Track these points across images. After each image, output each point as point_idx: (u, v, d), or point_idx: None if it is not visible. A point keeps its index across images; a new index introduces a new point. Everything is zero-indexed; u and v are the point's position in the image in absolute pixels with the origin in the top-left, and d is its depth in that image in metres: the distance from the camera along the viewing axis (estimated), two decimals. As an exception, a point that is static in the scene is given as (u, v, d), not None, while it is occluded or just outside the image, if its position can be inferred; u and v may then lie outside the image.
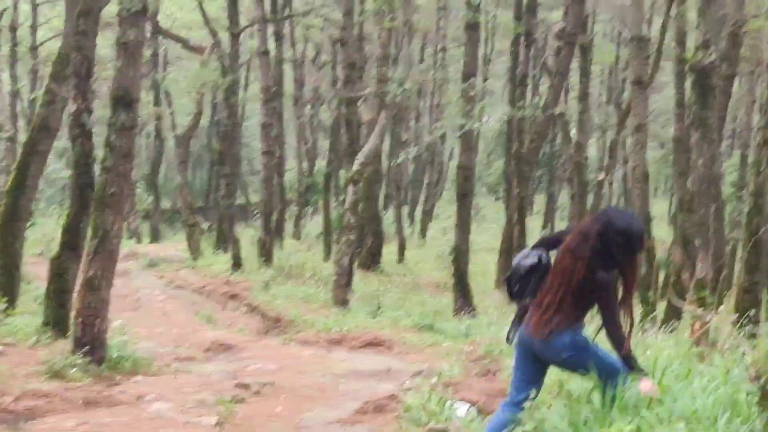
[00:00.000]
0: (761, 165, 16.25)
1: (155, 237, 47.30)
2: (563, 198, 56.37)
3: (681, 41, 24.89)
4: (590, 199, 37.39)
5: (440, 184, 60.03)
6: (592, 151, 53.82)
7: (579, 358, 6.98)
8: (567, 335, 6.97)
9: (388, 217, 44.16)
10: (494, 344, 14.17)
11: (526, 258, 7.36)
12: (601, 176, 33.20)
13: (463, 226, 24.73)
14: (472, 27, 25.15)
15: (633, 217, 7.17)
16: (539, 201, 60.05)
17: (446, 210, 56.50)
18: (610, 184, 48.28)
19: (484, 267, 33.99)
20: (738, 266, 18.00)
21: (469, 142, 24.99)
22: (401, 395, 11.12)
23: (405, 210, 51.56)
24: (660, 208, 54.06)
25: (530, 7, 31.92)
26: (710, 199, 15.34)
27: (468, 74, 24.66)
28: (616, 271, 6.89)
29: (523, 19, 32.50)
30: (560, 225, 53.64)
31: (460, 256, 24.66)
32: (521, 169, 28.98)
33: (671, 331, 14.24)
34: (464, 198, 24.81)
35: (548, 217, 53.64)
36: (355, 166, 23.21)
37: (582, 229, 7.06)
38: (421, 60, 50.22)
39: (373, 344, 16.61)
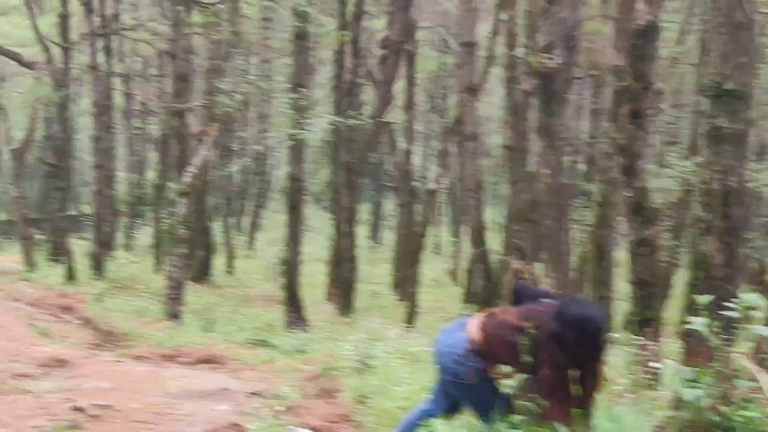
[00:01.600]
0: (607, 174, 15.69)
1: (-8, 249, 45.71)
2: (389, 207, 55.93)
3: (512, 46, 24.28)
4: (419, 209, 36.89)
5: (267, 195, 59.09)
6: (417, 159, 53.49)
7: (464, 387, 6.47)
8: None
9: (216, 228, 43.38)
10: (331, 362, 13.74)
11: None
12: (432, 185, 32.53)
13: (293, 238, 24.16)
14: (300, 36, 24.37)
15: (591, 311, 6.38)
16: (364, 210, 59.51)
17: (273, 220, 55.72)
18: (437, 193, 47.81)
19: (313, 278, 33.29)
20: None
21: (298, 152, 24.15)
22: (243, 422, 10.42)
23: (233, 221, 50.71)
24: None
25: (356, 15, 31.15)
26: (556, 209, 14.58)
27: (297, 84, 23.80)
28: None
29: (348, 27, 31.64)
30: (386, 234, 53.12)
31: (291, 269, 24.13)
32: (350, 179, 28.21)
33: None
34: (294, 210, 24.17)
35: (374, 227, 53.09)
36: (186, 179, 22.24)
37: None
38: (248, 71, 49.20)
39: (207, 360, 15.96)
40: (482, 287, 24.07)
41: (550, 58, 14.17)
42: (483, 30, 31.75)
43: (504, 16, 24.94)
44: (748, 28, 9.43)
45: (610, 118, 15.82)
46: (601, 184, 16.20)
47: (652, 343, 13.12)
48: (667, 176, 23.01)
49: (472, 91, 22.38)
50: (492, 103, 42.67)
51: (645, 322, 13.68)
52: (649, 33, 13.14)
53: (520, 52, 22.67)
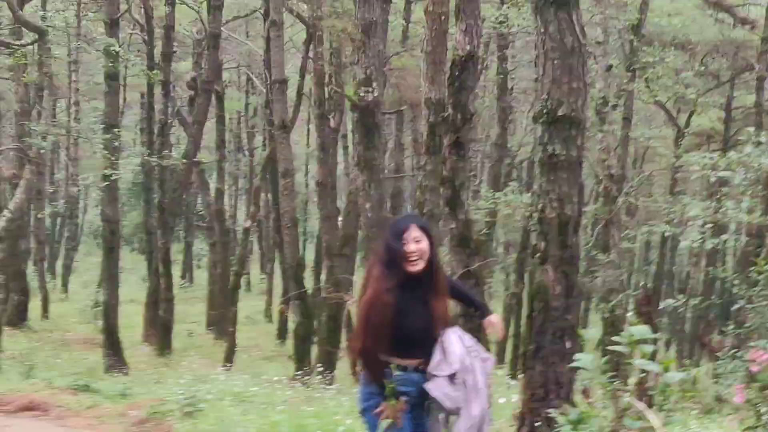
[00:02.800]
0: (424, 208, 15.10)
1: None
2: (200, 246, 54.71)
3: (320, 83, 23.58)
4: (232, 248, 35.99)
5: (78, 238, 56.96)
6: (228, 198, 52.47)
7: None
8: None
9: (30, 272, 41.39)
10: (157, 405, 12.79)
11: None
12: (247, 224, 31.54)
13: (111, 280, 23.07)
14: (111, 77, 23.18)
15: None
16: (175, 250, 58.04)
17: (84, 263, 54.09)
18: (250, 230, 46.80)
19: (129, 320, 31.99)
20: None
21: (113, 193, 22.86)
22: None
23: (46, 264, 48.60)
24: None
25: (166, 56, 30.12)
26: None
27: (110, 124, 22.61)
28: None
29: (157, 68, 30.55)
30: (198, 274, 51.81)
31: (109, 311, 23.02)
32: (164, 219, 27.09)
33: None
34: (111, 252, 23.07)
35: (186, 267, 51.70)
36: (2, 223, 20.76)
37: None
38: (55, 114, 47.53)
39: (29, 408, 14.43)
40: (299, 324, 23.20)
41: (368, 91, 13.49)
42: (293, 67, 31.17)
43: (312, 53, 24.23)
44: (580, 53, 8.90)
45: (426, 151, 15.19)
46: (421, 216, 15.55)
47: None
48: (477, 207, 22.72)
49: (285, 127, 21.56)
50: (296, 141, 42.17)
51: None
52: (468, 64, 12.64)
53: (336, 86, 22.05)
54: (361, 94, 13.47)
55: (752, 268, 16.27)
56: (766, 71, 31.12)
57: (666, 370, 5.00)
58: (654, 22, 29.10)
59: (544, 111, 8.93)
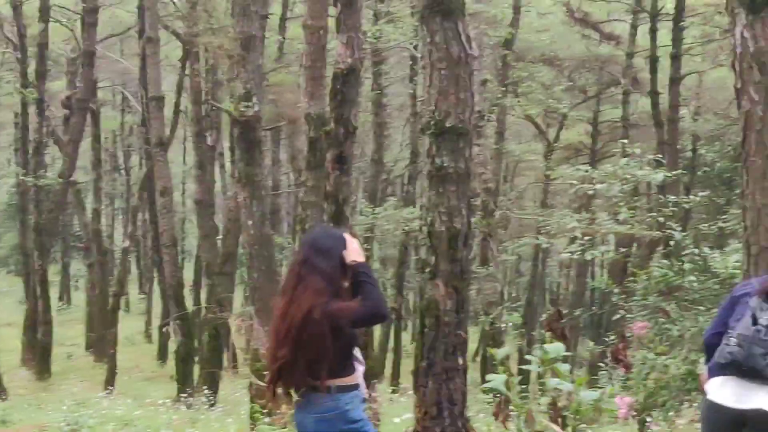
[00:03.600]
0: (305, 225, 14.63)
1: None
2: (78, 267, 53.27)
3: (197, 100, 22.93)
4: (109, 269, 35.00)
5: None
6: (105, 218, 51.16)
7: None
8: None
9: None
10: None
11: None
12: (125, 243, 30.62)
13: None
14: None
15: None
16: (52, 271, 56.40)
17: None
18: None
19: (5, 344, 30.91)
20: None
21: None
22: None
23: None
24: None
25: (40, 74, 29.04)
26: (263, 261, 13.34)
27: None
28: None
29: (32, 87, 29.45)
30: (76, 296, 50.44)
31: None
32: (40, 241, 26.07)
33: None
34: None
35: (64, 288, 50.26)
36: None
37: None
38: None
39: None
40: (180, 344, 22.46)
41: (248, 106, 12.96)
42: (169, 84, 30.39)
43: (188, 70, 23.58)
44: (466, 63, 8.53)
45: (307, 167, 14.71)
46: (302, 233, 15.06)
47: (369, 393, 12.10)
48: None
49: (163, 145, 20.86)
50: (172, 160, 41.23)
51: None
52: (350, 77, 12.21)
53: (213, 103, 21.45)
54: (242, 110, 12.92)
55: (631, 278, 16.25)
56: (631, 86, 31.51)
57: (579, 388, 4.64)
58: (524, 38, 29.18)
59: (432, 122, 8.54)
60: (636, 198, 20.84)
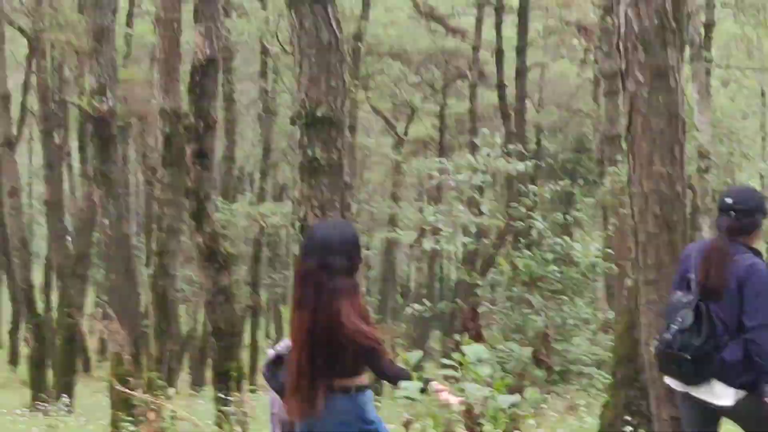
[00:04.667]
0: (162, 223, 13.92)
1: None
2: None
3: (44, 98, 21.79)
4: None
5: None
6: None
7: None
8: None
9: None
10: None
11: None
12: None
13: None
14: None
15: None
16: None
17: None
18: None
19: None
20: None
21: None
22: None
23: None
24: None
25: None
26: (121, 262, 12.54)
27: None
28: None
29: None
30: None
31: None
32: None
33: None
34: None
35: None
36: None
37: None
38: None
39: None
40: (33, 348, 21.32)
41: (103, 101, 12.15)
42: (14, 83, 28.97)
43: (35, 67, 22.43)
44: (337, 49, 8.00)
45: (163, 163, 13.97)
46: (159, 231, 14.30)
47: (240, 396, 11.48)
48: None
49: (10, 144, 19.75)
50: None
51: (226, 374, 12.02)
52: (209, 68, 11.55)
53: (61, 100, 20.41)
54: (96, 105, 12.10)
55: (494, 269, 16.00)
56: (477, 79, 31.45)
57: (498, 393, 4.15)
58: (373, 32, 28.82)
59: (303, 112, 7.98)
60: (497, 189, 20.67)
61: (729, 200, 5.55)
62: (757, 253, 5.51)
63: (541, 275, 14.07)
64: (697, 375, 5.34)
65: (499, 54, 27.56)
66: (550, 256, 14.22)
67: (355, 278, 5.28)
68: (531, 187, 15.57)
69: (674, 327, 5.39)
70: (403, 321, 40.67)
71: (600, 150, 24.47)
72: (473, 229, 17.03)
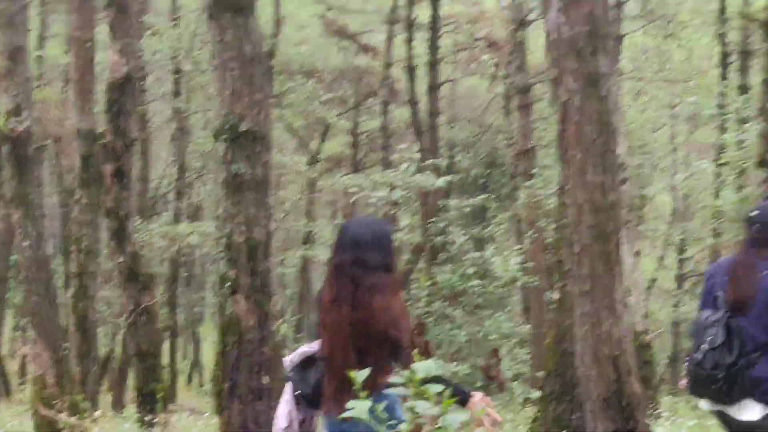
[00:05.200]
0: (80, 245, 13.49)
1: None
2: None
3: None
4: None
5: None
6: None
7: None
8: None
9: None
10: None
11: None
12: None
13: None
14: None
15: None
16: None
17: None
18: None
19: None
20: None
21: None
22: None
23: None
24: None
25: None
26: (41, 285, 12.04)
27: None
28: None
29: None
30: None
31: None
32: None
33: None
34: None
35: None
36: None
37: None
38: None
39: None
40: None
41: (19, 121, 11.65)
42: None
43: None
44: (260, 62, 7.72)
45: (80, 184, 13.58)
46: (78, 253, 13.84)
47: (165, 417, 11.09)
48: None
49: None
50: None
51: (150, 395, 11.62)
52: (126, 86, 11.16)
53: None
54: (11, 126, 11.61)
55: (414, 285, 15.82)
56: (389, 96, 31.30)
57: (446, 411, 3.88)
58: (284, 50, 28.51)
59: (226, 127, 7.69)
60: (416, 204, 20.49)
61: (754, 213, 5.43)
62: None
63: (462, 290, 13.94)
64: (730, 393, 5.17)
65: (410, 70, 27.46)
66: (470, 270, 14.10)
67: (394, 275, 5.15)
68: (452, 202, 15.43)
69: (705, 346, 5.21)
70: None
71: (513, 164, 24.49)
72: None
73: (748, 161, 16.35)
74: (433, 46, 26.29)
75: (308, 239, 34.09)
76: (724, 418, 5.34)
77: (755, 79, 23.96)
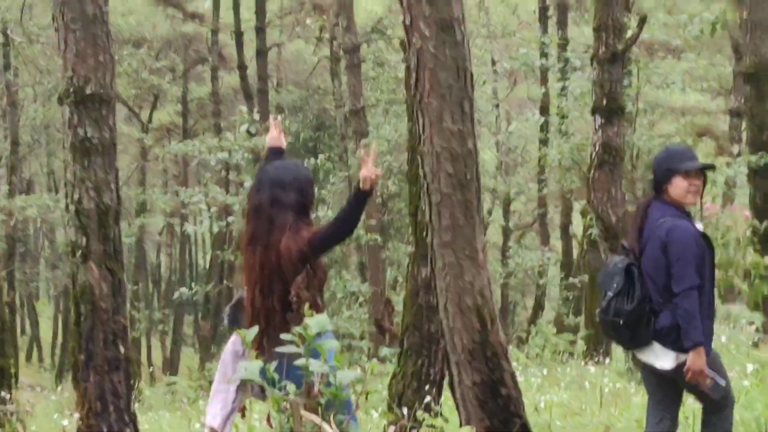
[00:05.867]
0: None
1: None
2: None
3: None
4: None
5: None
6: None
7: None
8: None
9: None
10: None
11: None
12: None
13: None
14: None
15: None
16: None
17: None
18: None
19: None
20: None
21: None
22: None
23: None
24: None
25: None
26: None
27: None
28: None
29: None
30: None
31: None
32: None
33: None
34: None
35: None
36: None
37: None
38: None
39: None
40: None
41: None
42: None
43: None
44: (103, 21, 7.30)
45: None
46: None
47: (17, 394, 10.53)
48: None
49: None
50: None
51: (1, 371, 10.99)
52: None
53: None
54: None
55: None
56: (218, 62, 30.73)
57: (338, 368, 3.68)
58: (112, 20, 27.53)
59: (71, 90, 7.24)
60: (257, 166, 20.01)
61: (652, 160, 5.53)
62: (685, 214, 5.31)
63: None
64: (633, 339, 5.18)
65: (238, 35, 27.00)
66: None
67: (308, 219, 5.18)
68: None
69: (609, 293, 5.21)
70: (157, 308, 39.55)
71: (343, 125, 24.30)
72: (236, 208, 16.48)
73: (577, 110, 16.62)
74: (260, 11, 25.90)
75: (143, 208, 33.30)
76: (643, 364, 5.37)
77: (573, 31, 24.56)
